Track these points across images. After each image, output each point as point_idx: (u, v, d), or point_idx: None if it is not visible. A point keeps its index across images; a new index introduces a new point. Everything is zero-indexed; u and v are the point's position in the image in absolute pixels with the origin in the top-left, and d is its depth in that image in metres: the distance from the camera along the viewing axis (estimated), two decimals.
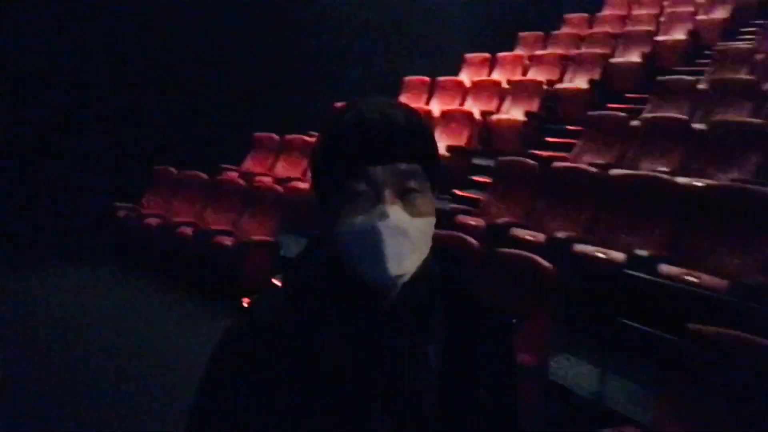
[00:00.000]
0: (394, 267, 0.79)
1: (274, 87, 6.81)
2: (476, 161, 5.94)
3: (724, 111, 4.85)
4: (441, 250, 0.91)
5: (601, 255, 3.22)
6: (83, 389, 3.50)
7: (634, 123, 4.86)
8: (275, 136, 6.53)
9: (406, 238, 0.80)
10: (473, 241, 3.08)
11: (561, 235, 3.53)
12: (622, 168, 4.28)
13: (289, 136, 6.45)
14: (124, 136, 6.19)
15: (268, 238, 4.75)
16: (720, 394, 1.96)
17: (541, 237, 3.59)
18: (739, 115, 4.59)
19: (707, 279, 2.81)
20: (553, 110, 6.58)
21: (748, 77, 5.28)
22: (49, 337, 4.20)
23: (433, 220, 0.84)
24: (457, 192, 5.41)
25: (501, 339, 0.93)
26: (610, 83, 6.83)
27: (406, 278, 0.81)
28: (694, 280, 2.84)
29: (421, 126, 0.84)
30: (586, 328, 3.06)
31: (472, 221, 3.98)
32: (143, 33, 6.28)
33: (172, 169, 6.05)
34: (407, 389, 0.82)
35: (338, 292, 0.84)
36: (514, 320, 0.98)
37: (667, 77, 5.81)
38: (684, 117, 4.68)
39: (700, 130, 4.40)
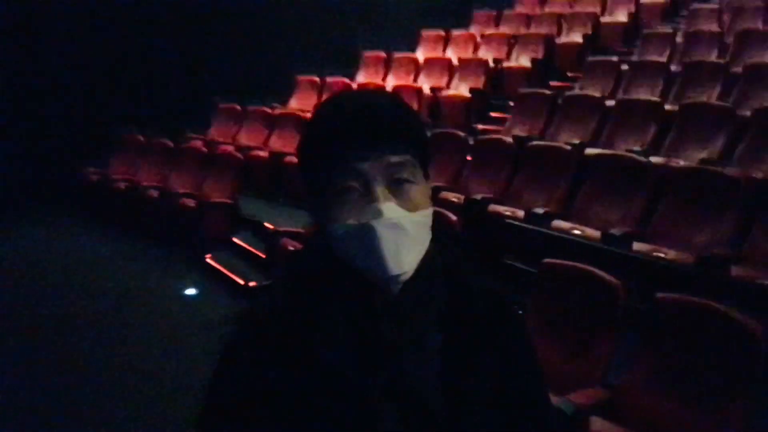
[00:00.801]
0: (393, 266, 0.77)
1: (238, 59, 7.18)
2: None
3: (636, 90, 5.45)
4: (445, 238, 0.90)
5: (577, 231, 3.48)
6: (59, 327, 3.99)
7: (561, 100, 5.41)
8: (238, 107, 6.95)
9: (404, 234, 0.78)
10: (452, 216, 3.31)
11: (539, 210, 3.71)
12: (544, 140, 4.84)
13: (251, 107, 6.88)
14: (92, 103, 6.55)
15: (227, 200, 5.23)
16: (686, 354, 2.21)
17: (519, 213, 3.80)
18: (646, 94, 5.18)
19: (674, 254, 3.04)
20: (500, 86, 7.11)
21: (659, 59, 5.87)
22: (25, 282, 4.68)
23: (430, 210, 0.82)
24: None
25: (507, 331, 0.89)
26: (553, 62, 7.37)
27: (408, 276, 0.80)
28: (663, 255, 3.06)
29: (408, 114, 0.83)
30: None
31: (453, 197, 4.19)
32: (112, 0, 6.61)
33: (139, 136, 6.45)
34: (411, 383, 0.80)
35: (338, 287, 0.82)
36: (520, 311, 0.96)
37: (596, 58, 6.36)
38: (598, 95, 5.26)
39: (611, 107, 4.99)
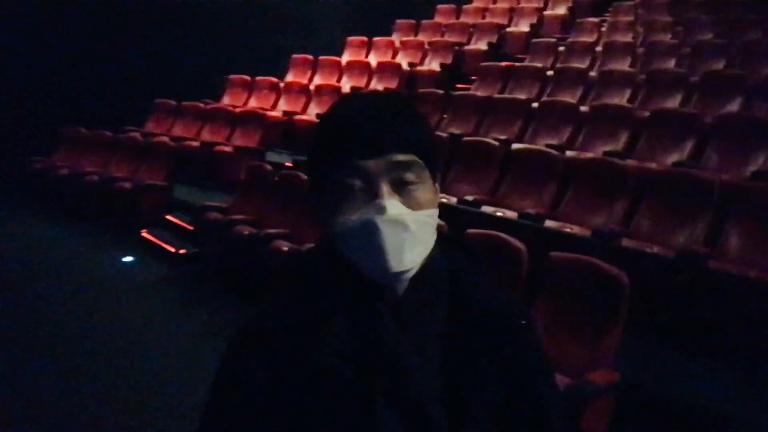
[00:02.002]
0: (395, 263, 0.78)
1: (176, 58, 7.88)
2: None
3: (521, 91, 6.48)
4: (451, 242, 0.92)
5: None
6: (12, 295, 4.59)
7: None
8: (173, 102, 7.66)
9: (406, 231, 0.78)
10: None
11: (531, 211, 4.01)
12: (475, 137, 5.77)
13: (185, 103, 7.60)
14: (37, 99, 7.14)
15: (160, 183, 5.96)
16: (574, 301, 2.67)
17: (453, 200, 4.23)
18: (523, 93, 6.22)
19: (657, 249, 3.33)
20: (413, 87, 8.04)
21: (529, 64, 6.97)
22: None
23: (435, 211, 0.83)
24: None
25: (512, 341, 0.89)
26: (460, 67, 8.37)
27: (410, 274, 0.81)
28: (648, 251, 3.30)
29: (415, 115, 0.84)
30: None
31: (442, 198, 5.00)
32: None
33: (82, 129, 7.09)
34: (412, 389, 0.81)
35: (342, 290, 0.83)
36: (524, 322, 0.95)
37: (487, 63, 7.38)
38: (484, 94, 6.26)
39: (492, 101, 5.99)
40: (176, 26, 8.08)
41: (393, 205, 0.78)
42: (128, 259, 5.28)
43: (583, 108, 5.56)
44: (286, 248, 4.12)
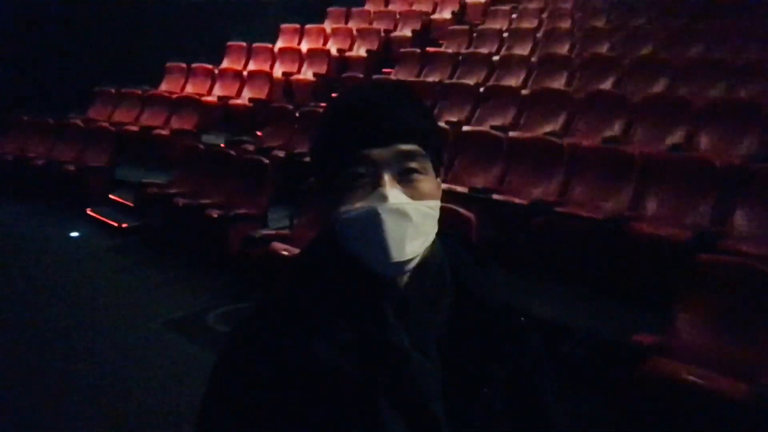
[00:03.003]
0: (396, 252, 0.80)
1: (115, 47, 8.34)
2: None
3: (435, 74, 7.26)
4: (455, 238, 0.94)
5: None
6: None
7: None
8: (113, 90, 8.15)
9: (407, 220, 0.80)
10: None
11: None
12: None
13: (125, 90, 8.10)
14: None
15: (103, 164, 6.51)
16: None
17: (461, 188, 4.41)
18: (436, 77, 7.00)
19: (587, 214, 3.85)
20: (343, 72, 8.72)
21: (444, 50, 7.75)
22: None
23: (437, 202, 0.85)
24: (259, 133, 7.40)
25: (509, 341, 0.89)
26: (388, 52, 9.08)
27: (411, 265, 0.82)
28: (580, 215, 3.79)
29: (420, 106, 0.86)
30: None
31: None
32: None
33: (24, 117, 7.53)
34: (414, 386, 0.82)
35: (344, 285, 0.84)
36: (524, 318, 0.94)
37: (404, 49, 8.13)
38: (405, 78, 7.01)
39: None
40: (115, 15, 8.53)
41: (395, 195, 0.80)
42: (75, 234, 5.84)
43: (482, 90, 6.30)
44: (215, 215, 4.79)
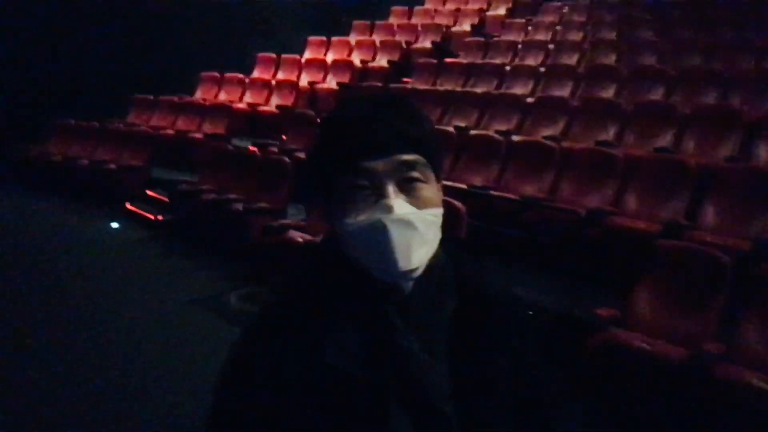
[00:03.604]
0: (403, 261, 0.81)
1: (152, 58, 9.05)
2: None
3: (447, 83, 7.74)
4: (454, 243, 0.95)
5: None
6: (22, 264, 5.79)
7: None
8: (151, 97, 8.85)
9: (413, 230, 0.81)
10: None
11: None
12: None
13: (162, 97, 8.79)
14: (30, 94, 8.30)
15: (141, 164, 7.15)
16: None
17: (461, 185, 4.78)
18: (450, 85, 7.47)
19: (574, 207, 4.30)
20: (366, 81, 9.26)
21: (457, 60, 8.19)
22: None
23: (440, 210, 0.86)
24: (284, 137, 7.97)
25: (515, 335, 0.92)
26: (408, 63, 9.60)
27: (417, 273, 0.83)
28: (566, 208, 4.31)
29: (418, 116, 0.87)
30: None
31: None
32: None
33: (71, 121, 8.26)
34: (421, 387, 0.83)
35: (349, 289, 0.86)
36: (531, 312, 0.98)
37: (422, 59, 8.64)
38: (422, 87, 7.51)
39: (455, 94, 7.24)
40: (154, 28, 9.26)
41: (400, 205, 0.81)
42: (115, 225, 6.47)
43: (529, 99, 6.65)
44: (240, 208, 5.34)
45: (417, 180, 0.84)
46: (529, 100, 6.46)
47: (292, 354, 0.84)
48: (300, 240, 4.55)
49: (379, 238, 0.80)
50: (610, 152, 4.80)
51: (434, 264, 0.87)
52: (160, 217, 6.39)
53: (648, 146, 5.09)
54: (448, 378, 0.86)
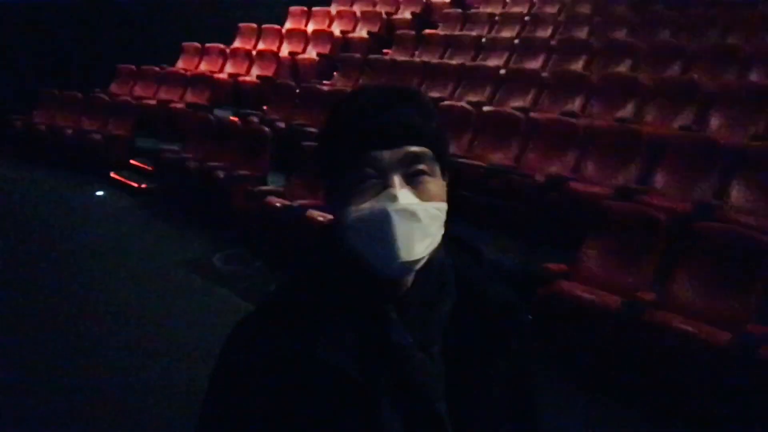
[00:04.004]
0: (404, 252, 0.81)
1: (135, 29, 9.18)
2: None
3: (425, 55, 7.98)
4: (455, 239, 0.95)
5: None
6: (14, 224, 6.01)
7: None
8: (134, 67, 9.00)
9: (416, 221, 0.81)
10: None
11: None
12: None
13: (144, 67, 8.95)
14: (13, 64, 8.43)
15: (125, 134, 7.37)
16: None
17: None
18: (433, 57, 7.72)
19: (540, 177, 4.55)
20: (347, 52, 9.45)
21: (437, 32, 8.42)
22: None
23: (444, 205, 0.86)
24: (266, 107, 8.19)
25: (514, 338, 0.92)
26: (389, 34, 9.78)
27: (417, 266, 0.84)
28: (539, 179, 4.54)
29: (429, 110, 0.88)
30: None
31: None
32: None
33: (55, 91, 8.41)
34: (416, 387, 0.84)
35: (348, 286, 0.86)
36: (529, 316, 0.97)
37: (402, 31, 8.84)
38: (400, 58, 7.72)
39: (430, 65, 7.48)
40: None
41: (404, 195, 0.81)
42: (100, 193, 6.72)
43: (502, 71, 6.92)
44: (222, 175, 5.61)
45: (423, 173, 0.84)
46: (502, 72, 6.73)
47: (287, 348, 0.84)
48: (278, 205, 4.85)
49: (381, 226, 0.81)
50: (572, 122, 5.12)
51: (434, 261, 0.88)
52: (144, 186, 6.64)
53: (610, 117, 5.41)
54: (442, 377, 0.86)
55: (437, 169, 0.87)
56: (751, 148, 4.38)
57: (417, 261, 0.83)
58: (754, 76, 5.65)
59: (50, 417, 3.01)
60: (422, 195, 0.83)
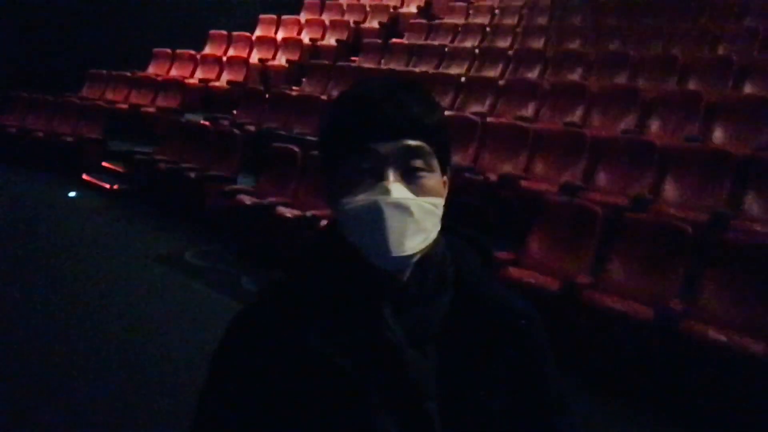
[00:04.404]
0: (395, 246, 0.80)
1: (105, 33, 9.36)
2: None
3: (391, 63, 8.35)
4: (460, 235, 0.95)
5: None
6: None
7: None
8: (104, 72, 9.19)
9: (409, 216, 0.81)
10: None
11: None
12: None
13: (115, 72, 9.15)
14: None
15: (97, 136, 7.57)
16: None
17: None
18: (399, 65, 8.10)
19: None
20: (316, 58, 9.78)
21: (402, 41, 8.82)
22: None
23: (440, 200, 0.85)
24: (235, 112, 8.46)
25: (512, 339, 0.91)
26: (357, 42, 10.15)
27: (412, 260, 0.83)
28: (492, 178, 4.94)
29: (431, 103, 0.87)
30: None
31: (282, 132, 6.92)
32: None
33: (24, 93, 8.56)
34: (407, 381, 0.83)
35: (344, 279, 0.86)
36: (524, 321, 0.93)
37: (368, 40, 9.22)
38: (367, 66, 8.09)
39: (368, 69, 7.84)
40: (107, 3, 9.54)
41: (398, 189, 0.81)
42: (73, 194, 6.91)
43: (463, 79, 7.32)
44: (193, 175, 5.87)
45: (421, 168, 0.84)
46: (463, 79, 7.14)
47: (280, 343, 0.85)
48: (248, 202, 5.15)
49: (373, 219, 0.81)
50: (524, 126, 5.55)
51: (433, 257, 0.87)
52: (116, 187, 6.85)
53: (560, 121, 5.85)
54: (434, 375, 0.86)
55: (435, 165, 0.86)
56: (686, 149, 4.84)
57: (411, 256, 0.83)
58: (692, 84, 6.15)
59: (23, 411, 3.07)
60: (418, 190, 0.83)
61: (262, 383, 0.85)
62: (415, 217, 0.81)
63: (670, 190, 4.53)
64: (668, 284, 3.53)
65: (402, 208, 0.81)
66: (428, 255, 0.86)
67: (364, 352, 0.83)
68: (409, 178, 0.83)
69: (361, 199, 0.82)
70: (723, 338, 3.08)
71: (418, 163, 0.83)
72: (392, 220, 0.80)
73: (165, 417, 3.00)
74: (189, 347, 3.54)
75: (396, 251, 0.81)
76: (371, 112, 0.83)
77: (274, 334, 0.86)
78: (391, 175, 0.82)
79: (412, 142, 0.83)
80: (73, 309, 4.33)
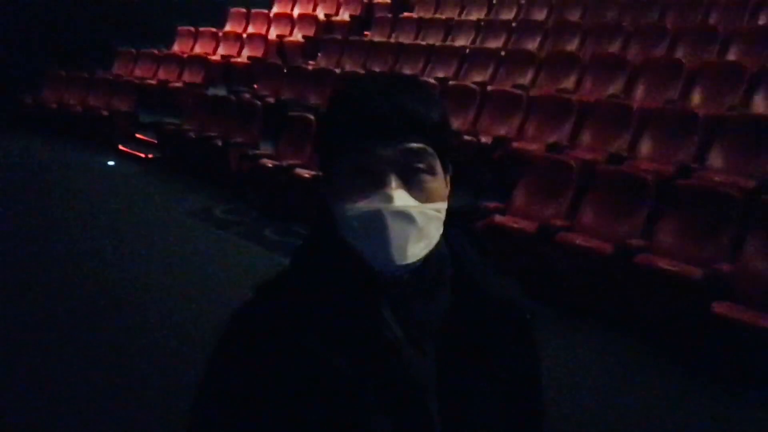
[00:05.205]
0: (398, 255, 0.80)
1: (132, 13, 10.03)
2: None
3: (401, 36, 8.89)
4: (460, 228, 0.93)
5: None
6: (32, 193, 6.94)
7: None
8: (133, 50, 9.91)
9: (412, 224, 0.80)
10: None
11: None
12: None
13: (143, 50, 9.85)
14: (24, 47, 9.27)
15: (129, 110, 8.28)
16: None
17: None
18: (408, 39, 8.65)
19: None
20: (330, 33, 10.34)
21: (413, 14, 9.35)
22: None
23: (443, 205, 0.84)
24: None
25: (513, 335, 0.91)
26: (369, 16, 10.67)
27: (412, 267, 0.82)
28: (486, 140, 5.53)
29: (433, 102, 0.84)
30: None
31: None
32: None
33: (62, 72, 9.29)
34: (405, 380, 0.83)
35: (343, 276, 0.85)
36: (528, 316, 0.92)
37: (381, 14, 9.74)
38: (385, 40, 8.64)
39: (374, 42, 8.40)
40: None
41: (400, 196, 0.79)
42: (111, 162, 7.65)
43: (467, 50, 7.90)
44: (219, 143, 6.55)
45: (422, 171, 0.82)
46: (467, 50, 7.68)
47: (277, 342, 0.84)
48: (270, 165, 5.82)
49: (376, 228, 0.80)
50: (519, 93, 6.10)
51: (433, 256, 0.85)
52: (150, 156, 7.56)
53: (553, 88, 6.39)
54: (434, 374, 0.85)
55: (438, 166, 0.84)
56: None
57: (410, 264, 0.82)
58: (732, 55, 6.21)
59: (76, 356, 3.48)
60: (420, 195, 0.81)
61: (260, 383, 0.84)
62: (418, 224, 0.80)
63: (714, 157, 4.68)
64: (630, 226, 4.12)
65: (405, 216, 0.80)
66: (428, 254, 0.84)
67: (362, 351, 0.83)
68: (411, 182, 0.81)
69: (363, 205, 0.80)
70: None
71: (420, 166, 0.82)
72: (395, 228, 0.79)
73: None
74: (223, 285, 4.23)
75: (399, 260, 0.80)
76: (371, 112, 0.81)
77: (272, 333, 0.85)
78: (393, 182, 0.80)
79: (413, 145, 0.81)
80: (119, 255, 5.06)
